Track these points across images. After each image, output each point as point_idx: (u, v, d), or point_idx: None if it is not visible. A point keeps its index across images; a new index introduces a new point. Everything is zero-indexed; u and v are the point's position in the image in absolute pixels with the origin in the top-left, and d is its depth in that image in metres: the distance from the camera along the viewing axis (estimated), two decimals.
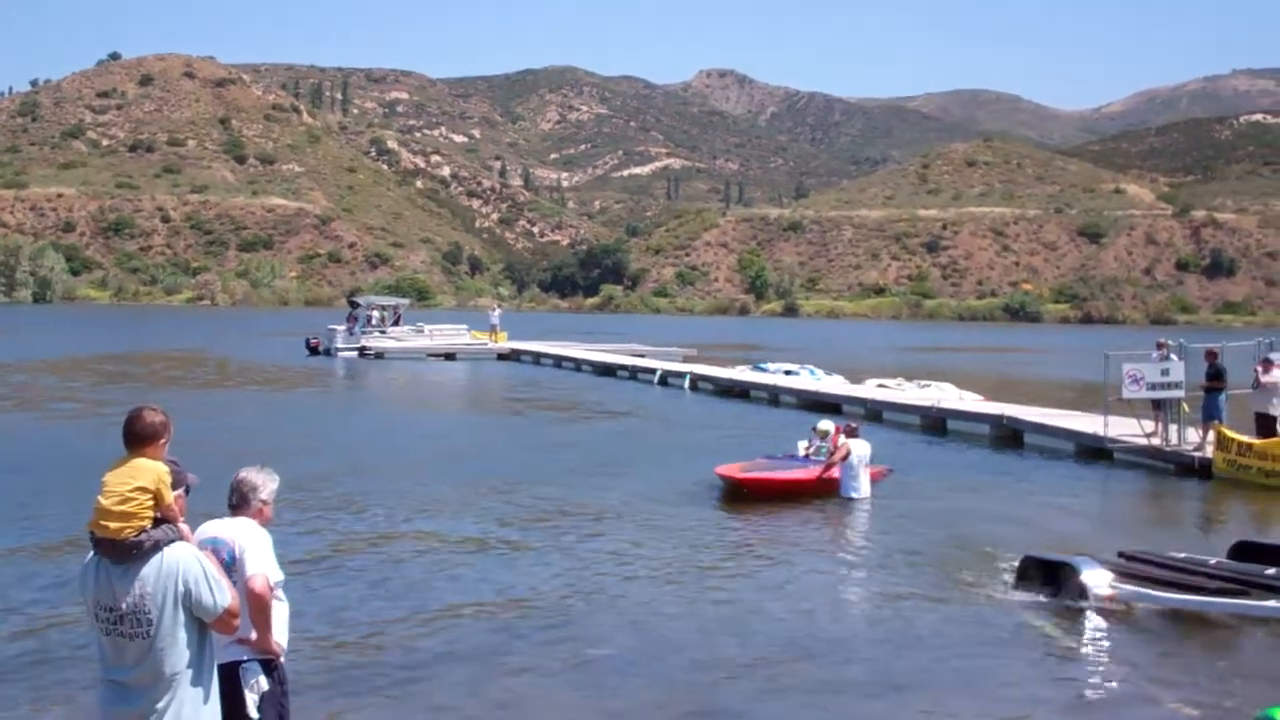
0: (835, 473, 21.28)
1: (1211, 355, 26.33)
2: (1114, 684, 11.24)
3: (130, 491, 5.49)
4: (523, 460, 26.51)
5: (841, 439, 21.67)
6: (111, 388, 42.05)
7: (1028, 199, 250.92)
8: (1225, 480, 23.80)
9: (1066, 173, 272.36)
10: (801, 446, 22.97)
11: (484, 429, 35.10)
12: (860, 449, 21.32)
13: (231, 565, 6.23)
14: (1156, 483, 24.87)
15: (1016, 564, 14.72)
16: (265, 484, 6.71)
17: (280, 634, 6.57)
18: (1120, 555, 14.85)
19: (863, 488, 21.16)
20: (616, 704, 10.44)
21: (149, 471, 5.57)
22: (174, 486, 5.65)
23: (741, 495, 21.01)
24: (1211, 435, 25.05)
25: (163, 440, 5.71)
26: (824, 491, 21.20)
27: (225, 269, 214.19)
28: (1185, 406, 26.32)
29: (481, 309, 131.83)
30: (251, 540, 6.44)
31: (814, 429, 23.15)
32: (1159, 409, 26.97)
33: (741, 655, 11.92)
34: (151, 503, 5.52)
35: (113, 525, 5.47)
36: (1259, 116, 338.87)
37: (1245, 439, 23.96)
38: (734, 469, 21.58)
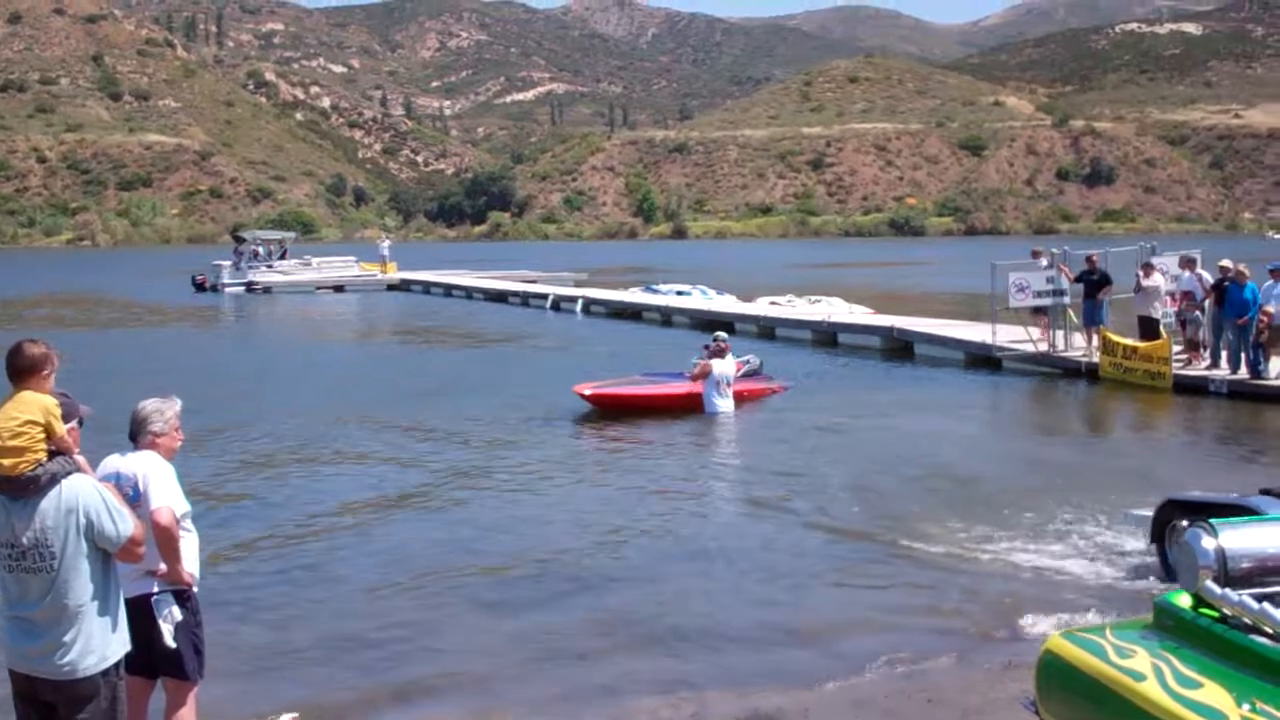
0: (699, 389, 21.76)
1: (1091, 261, 26.84)
2: None
3: (20, 426, 5.40)
4: (407, 387, 26.71)
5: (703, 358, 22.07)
6: None
7: (909, 114, 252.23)
8: (1112, 382, 24.30)
9: (946, 86, 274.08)
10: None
11: (372, 359, 34.98)
12: (722, 367, 21.79)
13: (136, 500, 6.17)
14: (1047, 388, 25.36)
15: (1152, 513, 11.62)
16: (167, 414, 6.64)
17: (191, 564, 6.56)
18: (1263, 493, 10.75)
19: (723, 404, 21.63)
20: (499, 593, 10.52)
21: (36, 404, 5.48)
22: (66, 419, 5.57)
23: (605, 411, 21.49)
24: (1096, 339, 25.56)
25: (45, 372, 5.60)
26: (690, 407, 21.68)
27: (105, 208, 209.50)
28: (1072, 314, 26.87)
29: (369, 240, 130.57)
30: (155, 473, 6.39)
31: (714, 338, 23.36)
32: (1041, 314, 27.61)
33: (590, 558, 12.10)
34: (43, 436, 5.44)
35: (6, 461, 5.38)
36: (1134, 25, 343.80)
37: (1129, 342, 24.45)
38: (586, 386, 21.99)
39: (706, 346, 22.51)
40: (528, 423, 21.13)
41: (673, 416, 21.38)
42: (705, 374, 21.64)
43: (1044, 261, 27.54)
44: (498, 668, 9.45)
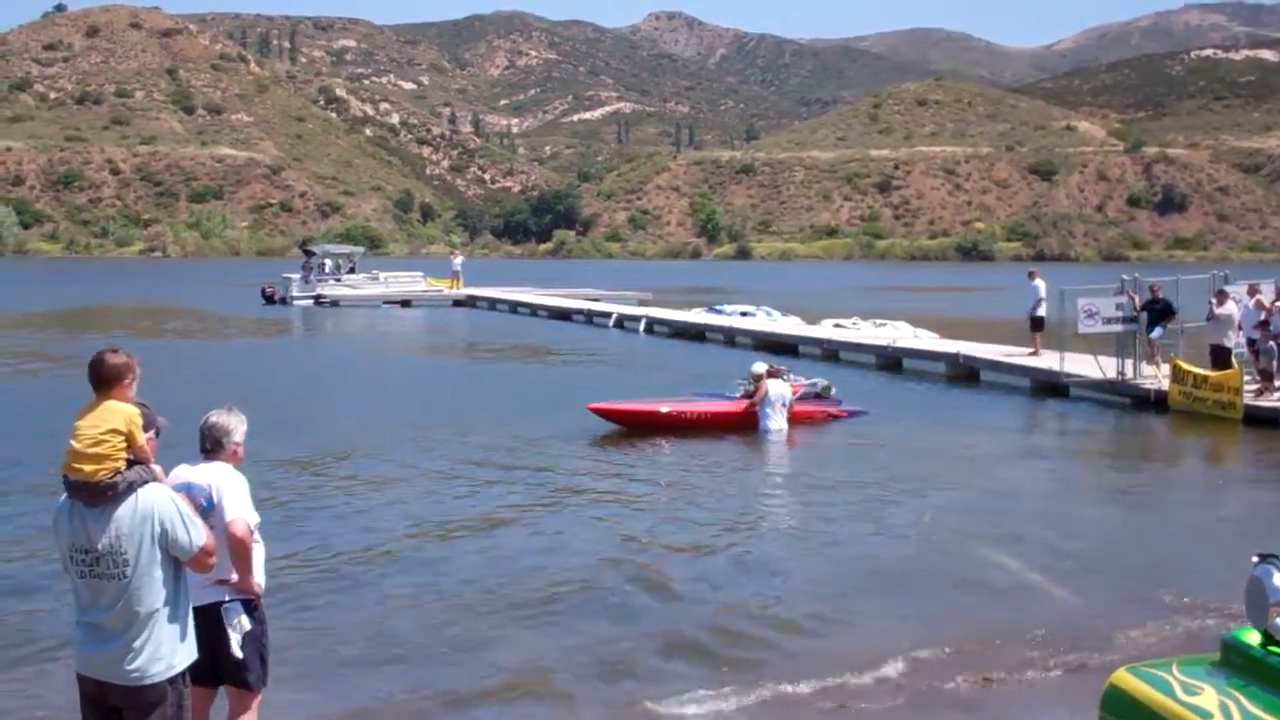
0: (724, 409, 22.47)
1: (1155, 290, 26.72)
2: None
3: (102, 434, 5.47)
4: (466, 402, 27.06)
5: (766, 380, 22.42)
6: (76, 341, 41.54)
7: (979, 137, 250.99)
8: (1181, 413, 24.01)
9: (1018, 111, 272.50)
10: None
11: (435, 374, 35.18)
12: (778, 389, 22.16)
13: (210, 510, 6.27)
14: (1114, 418, 25.04)
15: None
16: (237, 427, 6.75)
17: (259, 574, 6.63)
18: None
19: (775, 424, 21.94)
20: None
21: (120, 413, 5.55)
22: (144, 429, 5.64)
23: (640, 429, 21.79)
24: (1166, 367, 25.31)
25: (128, 380, 5.69)
26: (717, 427, 22.11)
27: (176, 220, 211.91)
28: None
29: (435, 256, 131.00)
30: (229, 485, 6.50)
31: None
32: (1037, 330, 30.28)
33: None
34: (124, 444, 5.51)
35: (87, 468, 5.45)
36: (1210, 51, 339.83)
37: (1200, 371, 24.17)
38: (603, 404, 22.45)
39: (756, 377, 22.60)
40: (577, 440, 21.21)
41: (720, 436, 21.59)
42: (763, 395, 21.95)
43: (1037, 281, 30.61)
44: (548, 680, 9.47)
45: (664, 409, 22.28)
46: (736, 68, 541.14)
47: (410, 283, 69.73)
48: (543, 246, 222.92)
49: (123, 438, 5.51)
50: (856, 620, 11.20)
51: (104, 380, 5.65)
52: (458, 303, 65.59)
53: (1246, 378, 23.76)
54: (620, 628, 10.87)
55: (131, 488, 5.52)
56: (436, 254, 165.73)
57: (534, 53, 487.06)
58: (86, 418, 5.56)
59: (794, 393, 22.80)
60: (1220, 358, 24.76)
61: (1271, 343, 23.93)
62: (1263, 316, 24.31)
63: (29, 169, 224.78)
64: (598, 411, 22.09)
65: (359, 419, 24.18)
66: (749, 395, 22.29)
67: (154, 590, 5.56)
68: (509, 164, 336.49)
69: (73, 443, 5.50)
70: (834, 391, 24.58)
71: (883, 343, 35.47)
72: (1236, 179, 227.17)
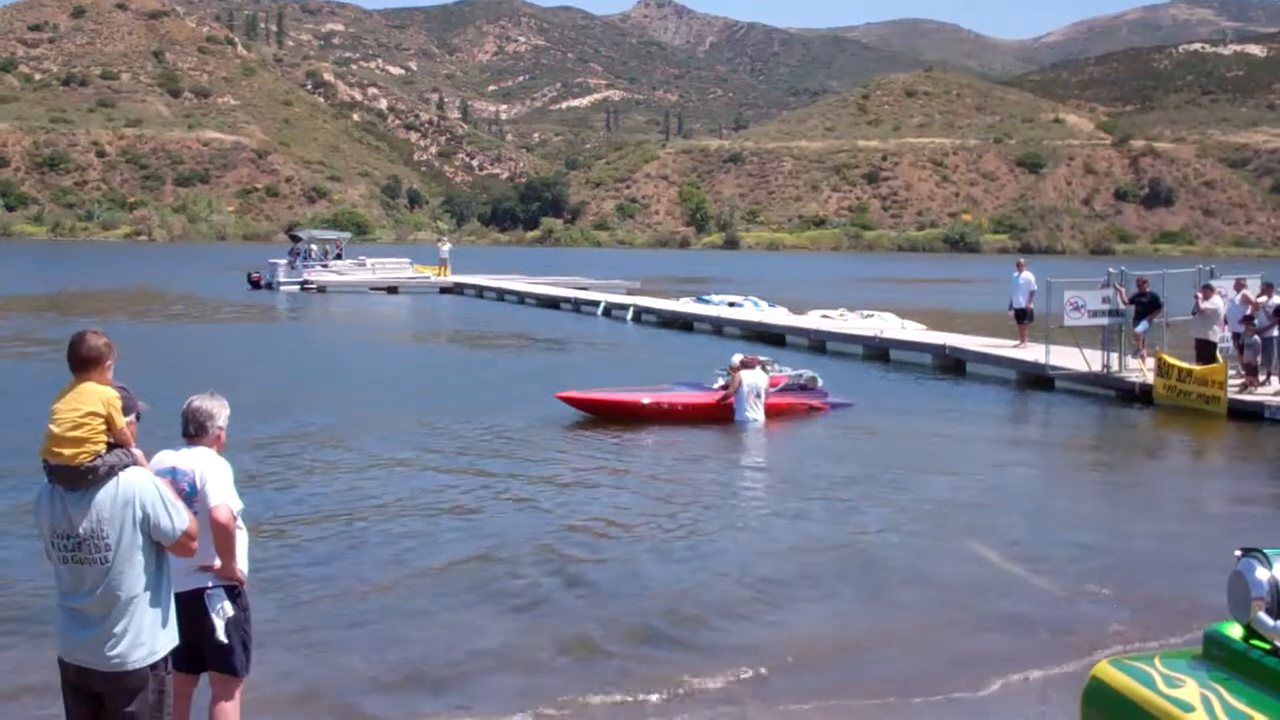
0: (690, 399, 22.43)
1: (1142, 284, 26.78)
2: None
3: (81, 417, 5.43)
4: (450, 390, 26.98)
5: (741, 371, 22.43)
6: (63, 324, 41.33)
7: (967, 129, 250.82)
8: (1166, 407, 24.08)
9: (1006, 103, 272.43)
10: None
11: (423, 361, 35.12)
12: (753, 379, 22.13)
13: (193, 496, 6.24)
14: (1099, 411, 25.09)
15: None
16: (220, 411, 6.72)
17: (242, 561, 6.61)
18: None
19: (752, 414, 21.92)
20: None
21: (98, 396, 5.50)
22: (124, 412, 5.60)
23: (614, 417, 21.77)
24: (1151, 361, 25.37)
25: (108, 363, 5.64)
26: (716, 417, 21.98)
27: (162, 204, 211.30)
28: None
29: (423, 242, 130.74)
30: (213, 470, 6.47)
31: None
32: (1024, 321, 30.84)
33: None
34: (104, 427, 5.47)
35: (67, 452, 5.41)
36: (1198, 46, 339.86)
37: (1185, 365, 24.23)
38: (573, 393, 22.36)
39: (733, 368, 22.54)
40: (551, 428, 21.20)
41: (694, 427, 21.51)
42: (737, 386, 21.94)
43: (1026, 273, 31.31)
44: (539, 676, 9.47)
45: (635, 399, 22.23)
46: (726, 56, 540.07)
47: (397, 269, 69.58)
48: (530, 234, 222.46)
49: (102, 420, 5.47)
50: (834, 615, 11.20)
51: (84, 361, 5.60)
52: (445, 290, 65.49)
53: (1231, 372, 23.85)
54: (583, 623, 10.82)
55: (112, 471, 5.48)
56: (424, 240, 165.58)
57: (523, 39, 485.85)
58: (64, 400, 5.52)
59: (773, 384, 22.75)
60: (1205, 352, 24.83)
61: (1256, 337, 24.02)
62: (1248, 311, 24.39)
63: (14, 151, 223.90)
64: (567, 400, 22.04)
65: (335, 404, 24.13)
66: (726, 386, 22.25)
67: (135, 575, 5.53)
68: (497, 151, 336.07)
69: (51, 427, 5.46)
70: (820, 382, 24.51)
71: (870, 334, 35.47)
72: (1223, 174, 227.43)
